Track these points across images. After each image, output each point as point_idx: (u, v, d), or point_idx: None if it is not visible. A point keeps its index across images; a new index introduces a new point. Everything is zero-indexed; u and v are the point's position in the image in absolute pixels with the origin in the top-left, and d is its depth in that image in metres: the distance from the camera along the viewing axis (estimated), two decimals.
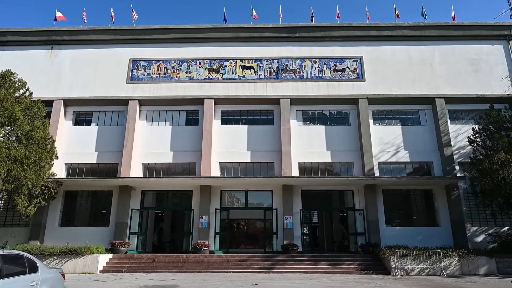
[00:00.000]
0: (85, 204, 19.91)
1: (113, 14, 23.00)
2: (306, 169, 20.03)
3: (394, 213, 19.30)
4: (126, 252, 17.58)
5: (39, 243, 17.85)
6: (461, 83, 20.60)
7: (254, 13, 22.76)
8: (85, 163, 20.20)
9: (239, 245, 22.71)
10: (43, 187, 16.99)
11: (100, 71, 21.33)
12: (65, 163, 20.05)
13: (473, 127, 18.68)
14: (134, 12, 22.36)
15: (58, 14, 22.49)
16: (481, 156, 17.21)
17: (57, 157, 18.21)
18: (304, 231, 19.22)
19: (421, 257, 15.42)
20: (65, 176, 19.89)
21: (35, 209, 16.67)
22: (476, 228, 18.42)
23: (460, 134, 20.03)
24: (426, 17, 22.40)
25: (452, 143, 19.67)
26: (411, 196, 19.72)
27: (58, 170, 19.34)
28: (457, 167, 19.27)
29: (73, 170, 20.28)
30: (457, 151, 19.65)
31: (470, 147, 18.63)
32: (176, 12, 78.60)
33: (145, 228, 19.53)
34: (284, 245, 17.65)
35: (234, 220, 23.18)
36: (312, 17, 22.86)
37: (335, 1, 74.34)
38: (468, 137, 18.44)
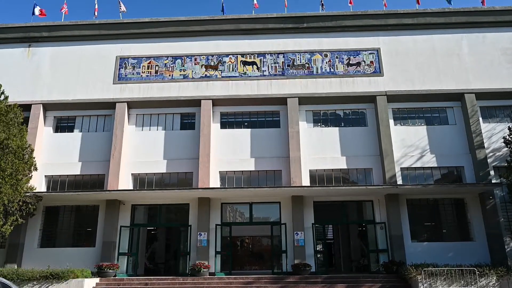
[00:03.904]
0: (68, 222, 19.87)
1: (96, 7, 23.17)
2: (318, 178, 19.87)
3: (421, 226, 19.06)
4: (115, 276, 17.45)
5: (16, 266, 17.79)
6: (494, 76, 20.42)
7: (255, 1, 22.81)
8: (67, 175, 20.21)
9: (243, 265, 22.53)
10: (20, 203, 16.98)
11: (83, 70, 21.43)
12: (45, 175, 20.06)
13: (509, 126, 18.44)
14: (122, 5, 22.45)
15: (37, 9, 22.60)
16: None
17: (36, 169, 18.26)
18: (317, 249, 19.00)
19: (453, 277, 15.13)
20: (45, 190, 19.90)
21: (12, 228, 16.63)
22: None
23: (494, 134, 19.81)
24: (451, 2, 22.31)
25: (486, 145, 19.43)
26: (439, 206, 19.46)
27: (37, 183, 19.36)
28: (492, 172, 19.01)
29: (54, 183, 20.29)
30: (491, 154, 19.41)
31: (506, 148, 18.45)
32: (168, 3, 79.35)
33: (136, 247, 19.44)
34: (295, 265, 17.46)
35: (237, 237, 23.03)
36: (321, 5, 22.85)
37: None
38: (504, 138, 18.24)
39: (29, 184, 17.85)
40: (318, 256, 19.01)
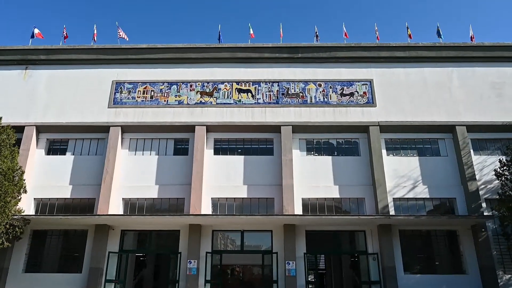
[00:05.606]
0: (55, 246, 19.48)
1: (95, 32, 23.57)
2: (310, 206, 19.80)
3: (414, 258, 18.90)
4: None
5: None
6: (484, 109, 20.84)
7: (251, 31, 23.39)
8: (57, 198, 19.97)
9: None
10: (7, 226, 16.71)
11: (79, 93, 21.56)
12: (34, 198, 19.79)
13: (500, 159, 18.69)
14: (123, 32, 22.86)
15: (36, 31, 22.96)
16: (510, 192, 17.08)
17: (25, 191, 18.07)
18: (309, 279, 18.68)
19: None
20: (34, 213, 19.58)
21: None
22: (509, 276, 17.97)
23: (486, 167, 20.01)
24: (442, 36, 23.03)
25: (477, 177, 19.59)
26: (432, 238, 19.40)
27: (26, 205, 19.09)
28: (484, 204, 19.08)
29: (43, 206, 20.00)
30: (483, 186, 19.54)
31: (497, 181, 18.57)
32: (165, 31, 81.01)
33: (124, 274, 19.01)
34: None
35: (228, 265, 22.60)
36: (316, 36, 23.46)
37: (341, 20, 76.81)
38: (495, 170, 18.41)
39: (17, 207, 17.61)
40: (310, 287, 18.70)
